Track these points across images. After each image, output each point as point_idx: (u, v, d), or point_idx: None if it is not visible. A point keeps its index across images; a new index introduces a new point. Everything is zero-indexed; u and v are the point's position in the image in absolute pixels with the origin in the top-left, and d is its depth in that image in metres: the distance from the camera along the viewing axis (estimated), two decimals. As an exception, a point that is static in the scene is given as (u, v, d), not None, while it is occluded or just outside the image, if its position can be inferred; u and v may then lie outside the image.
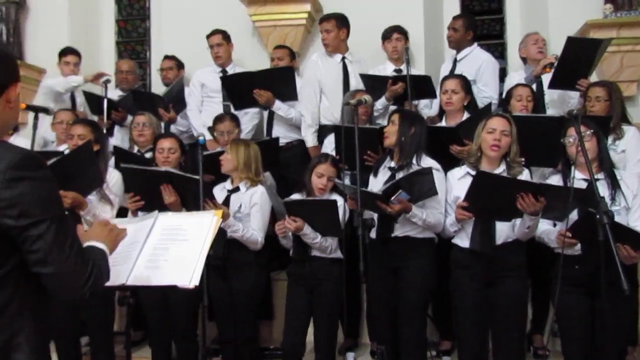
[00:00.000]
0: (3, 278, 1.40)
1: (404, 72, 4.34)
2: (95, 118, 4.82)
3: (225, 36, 5.00)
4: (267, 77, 4.49)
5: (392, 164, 3.38)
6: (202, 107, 4.93)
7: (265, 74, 4.55)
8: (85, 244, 1.63)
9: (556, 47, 4.47)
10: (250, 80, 4.49)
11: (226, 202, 3.54)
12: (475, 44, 4.83)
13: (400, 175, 3.26)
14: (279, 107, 4.56)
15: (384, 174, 3.39)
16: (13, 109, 1.55)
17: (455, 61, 4.74)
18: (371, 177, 3.45)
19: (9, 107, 1.53)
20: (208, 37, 4.99)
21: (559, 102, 4.33)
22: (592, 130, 3.01)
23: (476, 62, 4.59)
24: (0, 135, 1.57)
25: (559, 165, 3.37)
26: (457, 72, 4.48)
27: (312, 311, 3.41)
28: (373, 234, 3.25)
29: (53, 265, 1.43)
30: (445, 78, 4.06)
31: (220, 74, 4.86)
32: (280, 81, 4.46)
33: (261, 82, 4.46)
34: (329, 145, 4.19)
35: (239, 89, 4.52)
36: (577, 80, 4.02)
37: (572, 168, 3.00)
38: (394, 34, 4.70)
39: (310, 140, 4.55)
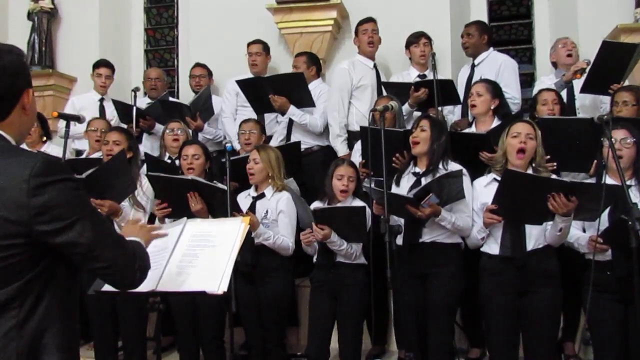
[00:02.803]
0: (31, 281, 1.42)
1: (427, 78, 4.33)
2: (124, 126, 4.89)
3: (265, 47, 5.10)
4: (278, 83, 4.52)
5: (417, 170, 3.36)
6: (237, 115, 4.99)
7: (276, 80, 4.58)
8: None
9: (586, 52, 4.41)
10: (263, 85, 4.53)
11: (252, 209, 3.55)
12: (492, 48, 4.79)
13: (426, 179, 3.24)
14: (293, 112, 4.58)
15: (408, 180, 3.38)
16: (29, 116, 1.56)
17: (473, 66, 4.70)
18: (393, 186, 3.41)
19: (25, 113, 1.54)
20: (248, 44, 5.08)
21: (590, 107, 4.27)
22: (634, 139, 2.95)
23: (494, 64, 4.55)
24: (20, 141, 1.58)
25: (591, 170, 3.33)
26: (475, 77, 4.45)
27: (336, 317, 3.40)
28: (399, 240, 3.23)
29: (101, 259, 1.47)
30: (474, 83, 4.01)
31: (248, 82, 4.89)
32: (292, 87, 4.49)
33: (273, 87, 4.49)
34: (357, 151, 4.19)
35: (256, 94, 4.56)
36: (610, 85, 3.96)
37: (604, 172, 2.94)
38: (422, 39, 4.70)
39: (341, 150, 4.55)
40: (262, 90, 4.52)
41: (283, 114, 4.66)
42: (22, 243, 1.39)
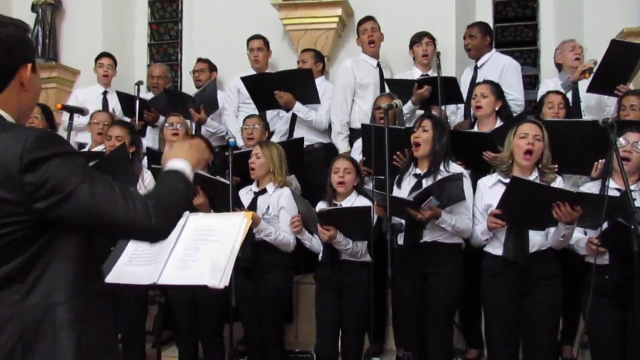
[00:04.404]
0: (35, 255, 1.37)
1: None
2: (127, 118, 4.89)
3: (266, 42, 5.08)
4: (285, 79, 4.51)
5: (418, 171, 3.36)
6: (239, 112, 4.98)
7: (284, 76, 4.58)
8: (166, 166, 1.58)
9: (591, 56, 4.39)
10: (270, 82, 4.52)
11: (253, 204, 3.56)
12: (494, 49, 4.79)
13: (427, 181, 3.24)
14: (299, 109, 4.58)
15: (409, 182, 3.37)
16: (29, 93, 1.49)
17: (476, 68, 4.69)
18: (394, 188, 3.39)
19: (24, 90, 1.47)
20: (249, 40, 5.06)
21: (596, 108, 4.26)
22: None
23: (497, 66, 4.54)
24: (20, 121, 1.50)
25: (592, 172, 3.33)
26: (479, 79, 4.44)
27: (340, 315, 3.40)
28: (400, 240, 3.23)
29: (108, 220, 1.39)
30: (477, 84, 4.01)
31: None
32: (299, 83, 4.48)
33: (280, 83, 4.48)
34: (357, 149, 4.19)
35: (260, 90, 4.55)
36: (617, 85, 3.95)
37: (608, 177, 2.93)
38: (424, 39, 4.70)
39: (342, 147, 4.56)
40: (267, 87, 4.51)
41: (288, 110, 4.66)
42: (21, 220, 1.35)
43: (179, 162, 1.58)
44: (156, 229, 1.44)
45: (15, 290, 1.37)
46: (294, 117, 4.72)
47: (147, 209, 1.42)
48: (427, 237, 3.25)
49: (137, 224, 1.41)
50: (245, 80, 4.65)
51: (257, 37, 5.07)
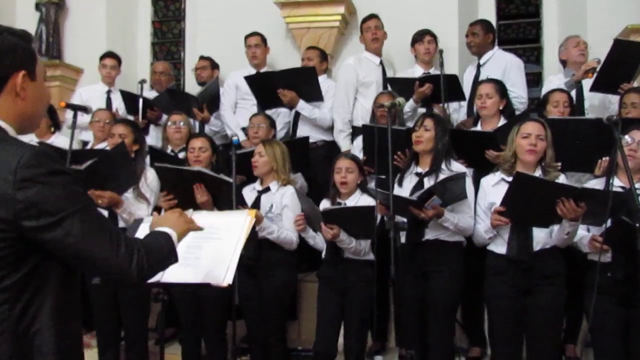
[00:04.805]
0: (22, 278, 1.35)
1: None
2: (130, 117, 4.90)
3: (263, 39, 5.07)
4: (290, 77, 4.52)
5: (419, 170, 3.36)
6: (236, 108, 4.98)
7: (288, 74, 4.58)
8: (154, 229, 1.65)
9: (595, 53, 4.39)
10: (274, 80, 4.52)
11: (256, 202, 3.56)
12: (497, 47, 4.78)
13: (429, 180, 3.25)
14: (303, 107, 4.58)
15: (410, 181, 3.37)
16: (27, 102, 1.46)
17: (478, 66, 4.69)
18: (396, 187, 3.36)
19: (20, 99, 1.44)
20: (246, 37, 5.05)
21: (599, 107, 4.25)
22: None
23: (500, 63, 4.54)
24: (24, 130, 1.49)
25: (596, 170, 3.32)
26: (481, 76, 4.44)
27: (343, 314, 3.40)
28: (403, 239, 3.23)
29: (92, 259, 1.39)
30: (480, 82, 4.00)
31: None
32: (303, 81, 4.48)
33: (284, 81, 4.48)
34: (357, 146, 4.19)
35: (264, 89, 4.55)
36: (620, 84, 3.94)
37: (612, 175, 2.92)
38: (426, 37, 4.69)
39: (344, 145, 4.56)
40: (270, 85, 4.51)
41: (291, 108, 4.66)
42: (9, 237, 1.32)
43: (167, 229, 1.66)
44: (132, 274, 1.44)
45: (3, 317, 1.34)
46: (297, 115, 4.73)
47: (131, 254, 1.43)
48: (429, 235, 3.25)
49: (115, 266, 1.42)
50: (249, 79, 4.65)
51: (255, 33, 5.06)
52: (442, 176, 3.23)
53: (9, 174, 1.30)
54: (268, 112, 4.80)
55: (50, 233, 1.33)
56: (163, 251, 1.58)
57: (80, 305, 1.55)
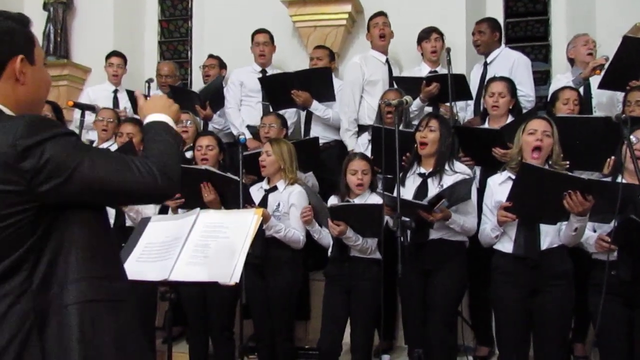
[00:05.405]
0: (39, 240, 1.36)
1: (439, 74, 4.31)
2: (137, 116, 4.91)
3: (271, 37, 5.06)
4: (305, 78, 4.51)
5: (422, 170, 3.35)
6: (241, 106, 4.98)
7: (303, 75, 4.56)
8: (146, 120, 1.60)
9: (603, 51, 4.36)
10: (288, 81, 4.51)
11: (264, 201, 3.57)
12: (503, 45, 4.75)
13: (433, 180, 3.26)
14: (316, 107, 4.58)
15: (413, 181, 3.36)
16: (27, 86, 1.46)
17: (485, 64, 4.66)
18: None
19: (20, 84, 1.45)
20: (254, 34, 5.04)
21: (607, 105, 4.22)
22: None
23: (508, 62, 4.51)
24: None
25: (604, 169, 3.30)
26: (488, 75, 4.41)
27: (349, 312, 3.40)
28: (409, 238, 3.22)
29: (116, 187, 1.39)
30: (492, 80, 3.96)
31: (260, 74, 4.89)
32: (318, 82, 4.47)
33: (299, 82, 4.47)
34: (362, 145, 4.18)
35: (277, 89, 4.54)
36: (629, 81, 3.91)
37: (620, 172, 2.90)
38: (433, 34, 4.67)
39: (350, 144, 4.54)
40: (284, 86, 4.49)
41: (304, 109, 4.66)
42: (26, 208, 1.34)
43: (159, 115, 1.59)
44: (164, 188, 1.45)
45: (24, 275, 1.35)
46: (308, 115, 4.72)
47: (151, 171, 1.42)
48: (433, 235, 3.25)
49: (146, 187, 1.42)
50: (263, 79, 4.64)
51: (263, 30, 5.05)
52: (445, 177, 3.24)
53: (10, 148, 1.31)
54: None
55: (69, 186, 1.34)
56: (172, 145, 1.54)
57: (116, 260, 1.53)
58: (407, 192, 3.29)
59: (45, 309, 1.36)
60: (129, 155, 1.46)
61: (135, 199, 1.55)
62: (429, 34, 4.68)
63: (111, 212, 3.39)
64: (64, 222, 1.40)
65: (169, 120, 1.60)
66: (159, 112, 1.61)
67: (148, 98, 1.70)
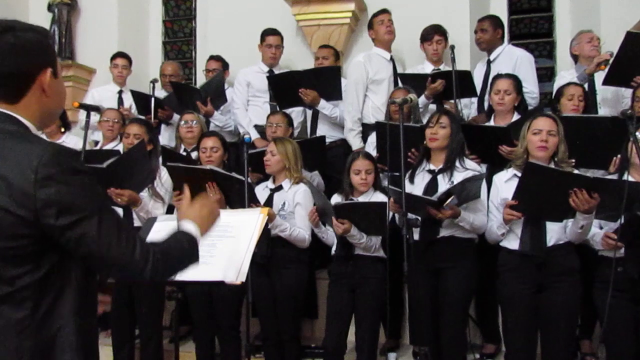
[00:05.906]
0: (45, 276, 1.36)
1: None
2: (142, 117, 4.92)
3: (282, 38, 5.06)
4: (313, 77, 4.50)
5: (432, 167, 3.34)
6: (248, 106, 4.98)
7: (312, 74, 4.56)
8: (181, 224, 1.61)
9: (608, 47, 4.34)
10: (296, 80, 4.51)
11: (269, 200, 3.57)
12: (506, 42, 4.74)
13: (443, 177, 3.25)
14: (324, 106, 4.58)
15: (422, 178, 3.36)
16: (51, 98, 1.46)
17: (488, 62, 4.65)
18: (407, 184, 3.33)
19: (45, 96, 1.45)
20: (265, 35, 5.01)
21: (612, 101, 4.21)
22: None
23: (511, 59, 4.49)
24: (43, 126, 1.51)
25: (611, 167, 3.29)
26: (492, 72, 4.40)
27: (354, 310, 3.40)
28: (416, 236, 3.21)
29: (104, 256, 1.37)
30: (498, 77, 3.94)
31: (267, 74, 4.88)
32: (326, 80, 4.47)
33: (307, 81, 4.47)
34: (371, 144, 4.18)
35: (285, 88, 4.54)
36: (633, 77, 3.90)
37: (627, 170, 2.88)
38: (435, 36, 4.65)
39: (355, 143, 4.54)
40: (292, 85, 4.49)
41: (311, 108, 4.66)
42: (29, 235, 1.33)
43: (192, 226, 1.60)
44: (145, 277, 1.44)
45: (26, 313, 1.35)
46: (315, 114, 4.72)
47: (147, 257, 1.42)
48: (443, 232, 3.24)
49: (130, 268, 1.41)
50: (272, 78, 4.64)
51: (275, 32, 5.01)
52: (456, 173, 3.23)
53: (31, 172, 1.30)
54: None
55: (69, 232, 1.33)
56: (183, 254, 1.55)
57: (97, 304, 1.55)
58: (417, 188, 3.29)
59: (45, 347, 1.36)
60: (134, 231, 1.46)
61: (113, 271, 1.47)
62: (431, 35, 4.66)
63: (119, 212, 3.40)
64: (66, 263, 1.40)
65: (198, 235, 1.61)
66: (195, 222, 1.62)
67: (193, 204, 1.71)
